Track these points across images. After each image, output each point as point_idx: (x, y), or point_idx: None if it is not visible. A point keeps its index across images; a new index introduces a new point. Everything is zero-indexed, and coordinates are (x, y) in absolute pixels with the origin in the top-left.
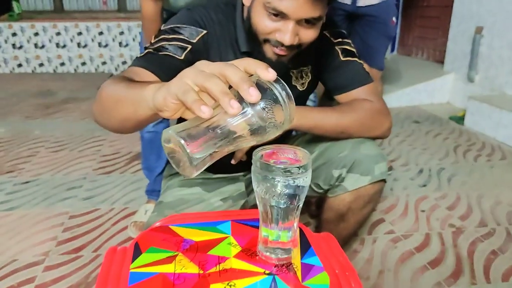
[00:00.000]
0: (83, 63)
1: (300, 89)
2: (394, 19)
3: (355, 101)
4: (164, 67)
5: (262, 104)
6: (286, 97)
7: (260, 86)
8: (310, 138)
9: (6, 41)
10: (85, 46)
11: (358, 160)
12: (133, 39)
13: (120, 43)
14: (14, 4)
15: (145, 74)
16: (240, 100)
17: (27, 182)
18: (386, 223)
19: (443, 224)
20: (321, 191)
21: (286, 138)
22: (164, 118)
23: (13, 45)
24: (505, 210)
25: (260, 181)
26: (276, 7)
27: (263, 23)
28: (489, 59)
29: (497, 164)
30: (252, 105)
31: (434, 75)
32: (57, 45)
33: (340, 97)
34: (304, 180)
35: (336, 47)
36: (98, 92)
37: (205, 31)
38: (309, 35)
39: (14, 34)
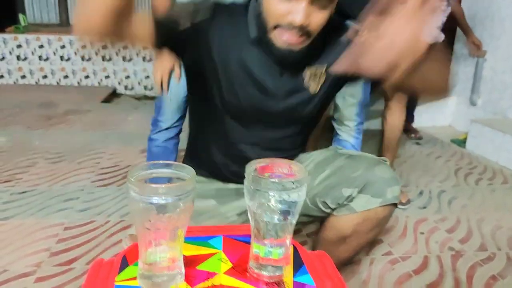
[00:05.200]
0: (87, 77)
1: (312, 92)
2: None
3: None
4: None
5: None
6: None
7: None
8: (322, 159)
9: (11, 53)
10: (89, 59)
11: (371, 181)
12: (137, 54)
13: (123, 58)
14: (21, 16)
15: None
16: None
17: (24, 192)
18: (384, 244)
19: (442, 247)
20: (328, 210)
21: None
22: (175, 135)
23: (18, 57)
24: (505, 234)
25: (252, 195)
26: None
27: (274, 5)
28: (492, 83)
29: (498, 188)
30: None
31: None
32: (61, 58)
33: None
34: (299, 195)
35: None
36: None
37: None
38: (320, 18)
39: (19, 46)
